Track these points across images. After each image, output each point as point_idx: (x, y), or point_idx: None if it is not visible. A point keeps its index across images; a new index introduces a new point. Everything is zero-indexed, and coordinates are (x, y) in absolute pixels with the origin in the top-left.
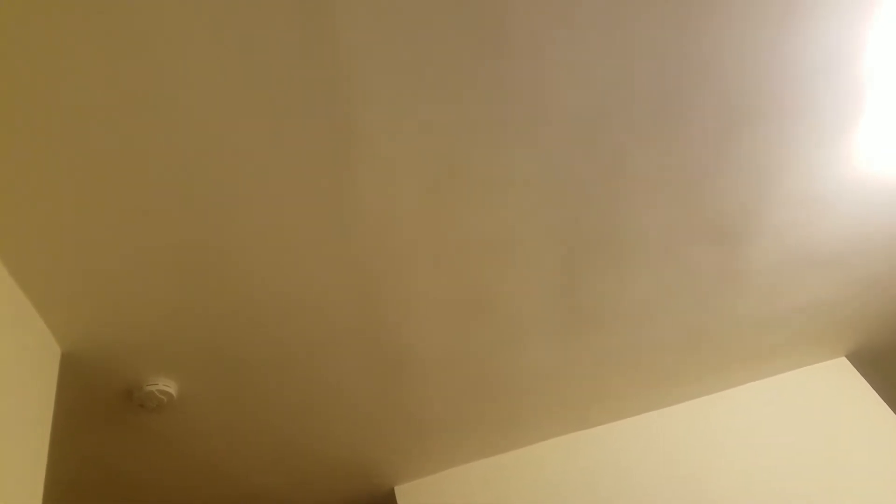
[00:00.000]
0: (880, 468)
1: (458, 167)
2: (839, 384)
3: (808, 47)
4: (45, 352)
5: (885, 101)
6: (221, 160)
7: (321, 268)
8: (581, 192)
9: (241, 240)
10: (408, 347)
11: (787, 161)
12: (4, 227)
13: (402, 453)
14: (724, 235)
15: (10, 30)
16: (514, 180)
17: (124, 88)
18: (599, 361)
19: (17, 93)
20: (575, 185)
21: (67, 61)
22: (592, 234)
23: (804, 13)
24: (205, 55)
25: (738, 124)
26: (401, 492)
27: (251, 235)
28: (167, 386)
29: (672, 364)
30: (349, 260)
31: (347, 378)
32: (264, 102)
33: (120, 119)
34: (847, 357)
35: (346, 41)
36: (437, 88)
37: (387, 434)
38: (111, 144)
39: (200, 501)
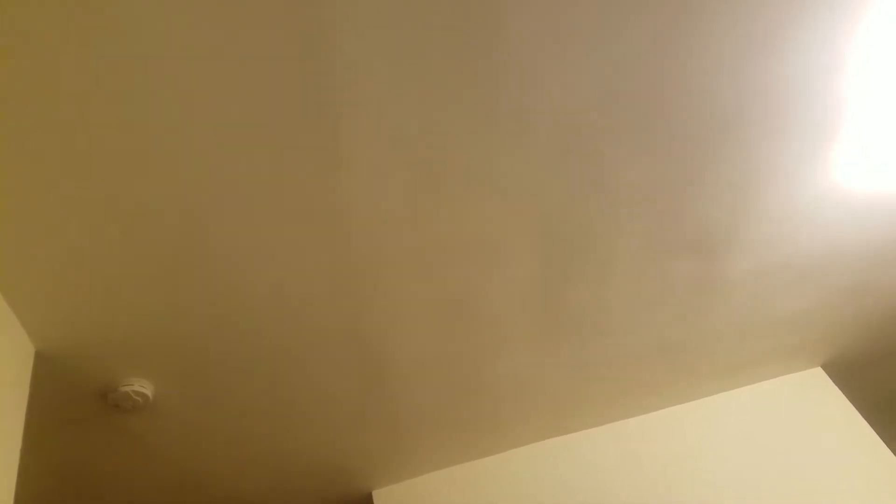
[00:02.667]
0: (854, 477)
1: (443, 171)
2: (814, 394)
3: (789, 64)
4: (18, 350)
5: (861, 116)
6: (204, 163)
7: (303, 271)
8: (563, 199)
9: (222, 241)
10: (389, 350)
11: (766, 175)
12: None
13: (381, 457)
14: (702, 247)
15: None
16: (498, 186)
17: (107, 90)
18: (578, 369)
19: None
20: (557, 192)
21: (60, 67)
22: (573, 242)
23: (785, 32)
24: (193, 62)
25: (719, 138)
26: (378, 496)
27: (233, 237)
28: (143, 387)
29: (650, 373)
30: (331, 263)
31: (327, 381)
32: (249, 107)
33: (100, 119)
34: (822, 367)
35: (334, 46)
36: (424, 93)
37: (365, 437)
38: (90, 143)
39: None
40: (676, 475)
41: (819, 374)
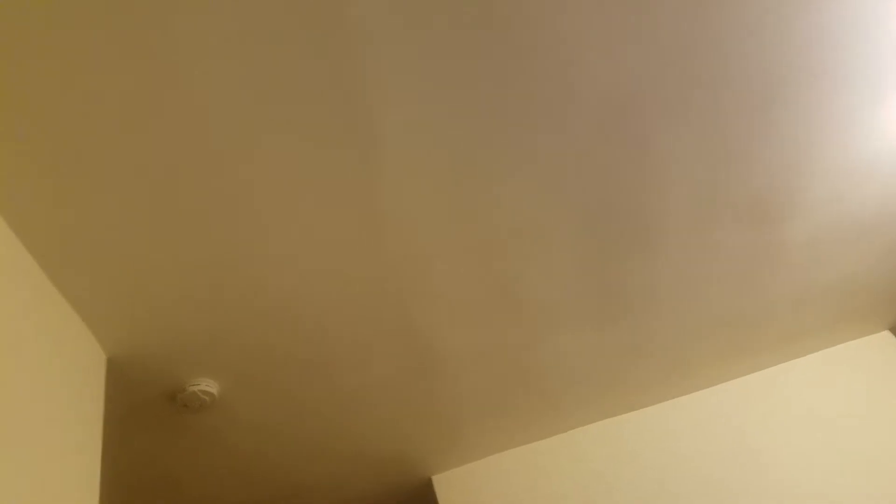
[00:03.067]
0: None
1: (481, 158)
2: (883, 358)
3: (839, 15)
4: (92, 358)
5: None
6: (251, 170)
7: (351, 270)
8: (608, 175)
9: (273, 245)
10: (440, 340)
11: (819, 132)
12: (49, 242)
13: (439, 443)
14: (758, 212)
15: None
16: (539, 167)
17: (164, 112)
18: (635, 347)
19: (68, 111)
20: (601, 168)
21: (113, 87)
22: (621, 218)
23: None
24: (231, 72)
25: (769, 99)
26: (438, 481)
27: (283, 241)
28: (209, 386)
29: (710, 347)
30: (377, 260)
31: (383, 372)
32: (287, 113)
33: (155, 134)
34: (890, 330)
35: (361, 34)
36: (459, 78)
37: (423, 426)
38: (148, 155)
39: (245, 497)
40: (740, 448)
41: (887, 337)
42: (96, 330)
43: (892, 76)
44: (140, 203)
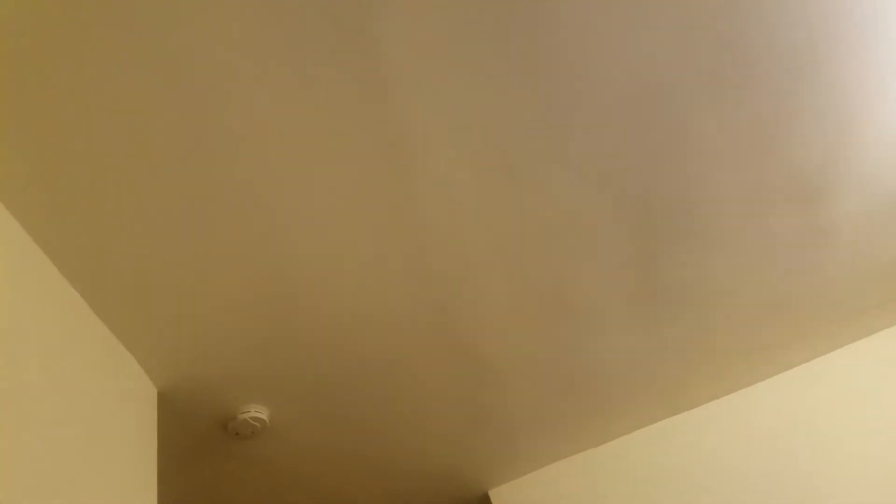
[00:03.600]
0: None
1: (515, 159)
2: None
3: None
4: (143, 392)
5: None
6: (285, 189)
7: (390, 283)
8: (647, 165)
9: (312, 266)
10: (486, 351)
11: (863, 101)
12: (92, 274)
13: (494, 456)
14: (804, 192)
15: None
16: (574, 164)
17: (209, 137)
18: (686, 343)
19: (120, 142)
20: (640, 158)
21: (149, 113)
22: (663, 210)
23: None
24: (261, 83)
25: (802, 75)
26: (495, 495)
27: (321, 260)
28: (259, 412)
29: (762, 337)
30: (416, 272)
31: (430, 386)
32: (320, 128)
33: (195, 165)
34: None
35: (389, 39)
36: (489, 81)
37: (476, 438)
38: (191, 183)
39: None
40: (804, 441)
41: None
42: (145, 363)
43: None
44: (185, 232)
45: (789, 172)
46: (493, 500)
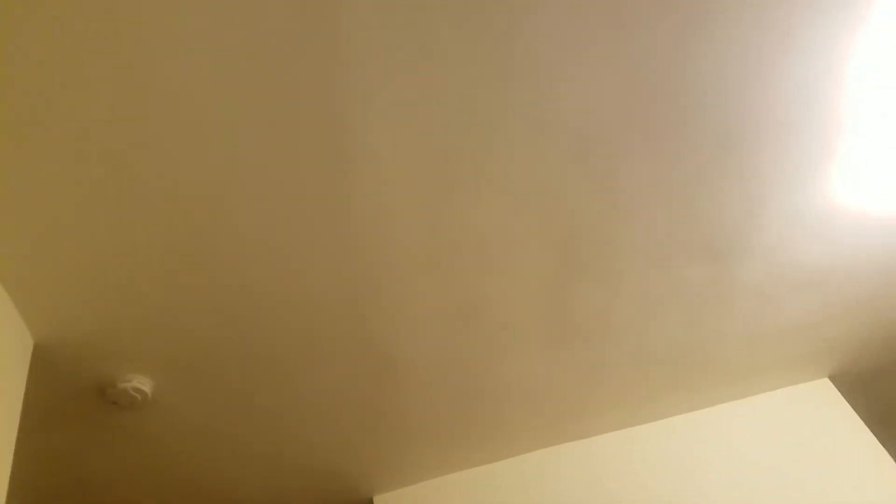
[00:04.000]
0: (860, 490)
1: (453, 168)
2: (821, 405)
3: (803, 74)
4: (18, 342)
5: (869, 126)
6: (212, 158)
7: (310, 270)
8: (575, 200)
9: (228, 239)
10: (394, 352)
11: (775, 181)
12: None
13: (383, 462)
14: (714, 252)
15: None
16: (509, 184)
17: (119, 83)
18: (586, 373)
19: (11, 86)
20: (569, 192)
21: (68, 60)
22: (583, 245)
23: (794, 36)
24: (200, 52)
25: (731, 143)
26: (380, 502)
27: (239, 235)
28: (142, 383)
29: (655, 379)
30: (339, 263)
31: (330, 382)
32: (257, 101)
33: (108, 109)
34: (830, 378)
35: (342, 34)
36: (435, 87)
37: (368, 441)
38: (96, 131)
39: None
40: (680, 485)
41: (826, 385)
42: (25, 313)
43: (840, 135)
44: (83, 178)
45: (702, 229)
46: None
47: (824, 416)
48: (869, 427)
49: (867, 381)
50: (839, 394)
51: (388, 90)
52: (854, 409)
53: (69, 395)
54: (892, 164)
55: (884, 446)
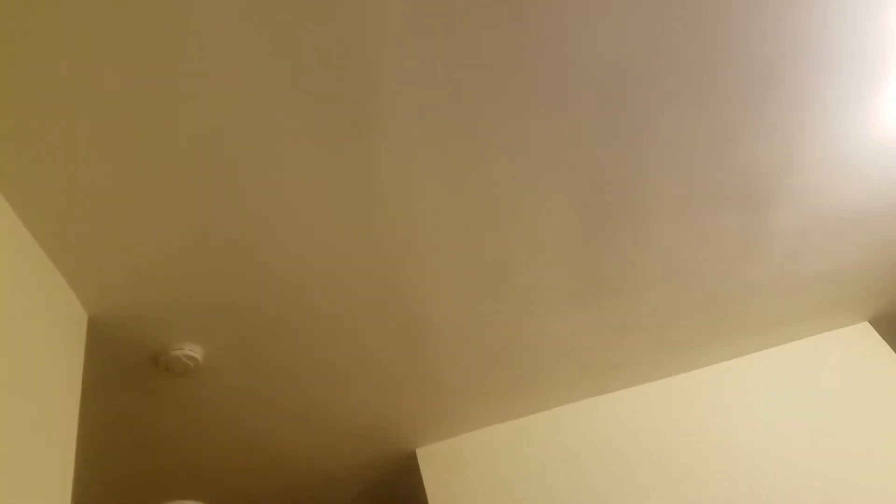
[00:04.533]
0: None
1: (478, 130)
2: (862, 349)
3: (832, 6)
4: (73, 317)
5: None
6: (249, 135)
7: (344, 238)
8: (602, 153)
9: (266, 210)
10: (428, 312)
11: (811, 122)
12: (30, 193)
13: (424, 416)
14: (746, 199)
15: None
16: (533, 141)
17: (156, 63)
18: (618, 327)
19: (52, 61)
20: (595, 145)
21: (102, 37)
22: (612, 199)
23: None
24: (235, 35)
25: (762, 86)
26: (422, 454)
27: (276, 206)
28: (193, 351)
29: (692, 330)
30: (369, 230)
31: (371, 344)
32: (288, 78)
33: (152, 89)
34: (870, 322)
35: (364, 5)
36: (456, 52)
37: (408, 398)
38: (142, 111)
39: (227, 465)
40: (721, 433)
41: (867, 328)
42: (78, 287)
43: (881, 70)
44: (129, 158)
45: (733, 178)
46: (419, 457)
47: (865, 360)
48: None
49: None
50: (880, 337)
51: (410, 58)
52: (895, 352)
53: (125, 365)
54: None
55: None
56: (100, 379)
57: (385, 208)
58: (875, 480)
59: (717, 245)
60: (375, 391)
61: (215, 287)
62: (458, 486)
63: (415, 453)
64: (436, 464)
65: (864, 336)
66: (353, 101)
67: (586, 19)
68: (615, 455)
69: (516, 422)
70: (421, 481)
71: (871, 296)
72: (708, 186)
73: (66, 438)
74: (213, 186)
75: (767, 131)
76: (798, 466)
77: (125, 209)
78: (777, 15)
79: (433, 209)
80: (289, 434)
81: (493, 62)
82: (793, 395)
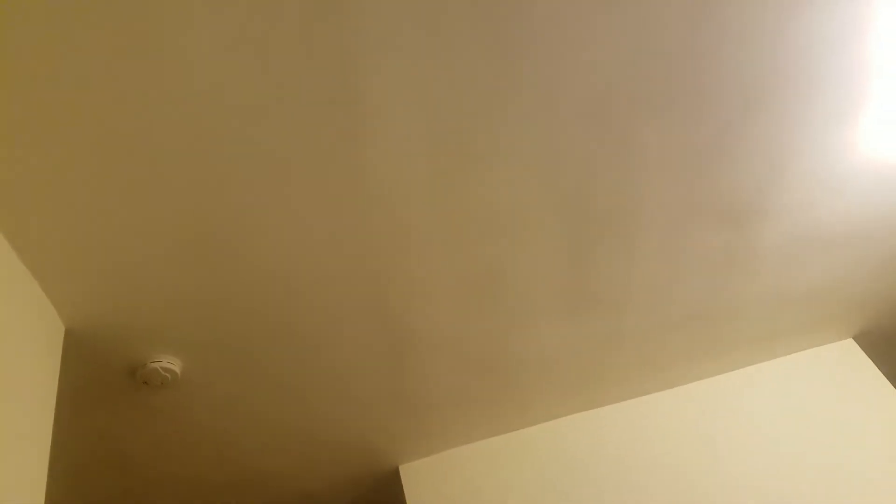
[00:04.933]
0: (887, 449)
1: (468, 141)
2: (846, 366)
3: (822, 28)
4: (49, 328)
5: (892, 82)
6: (229, 137)
7: (328, 246)
8: (590, 168)
9: (247, 217)
10: (414, 326)
11: (795, 141)
12: (6, 199)
13: (407, 432)
14: (733, 215)
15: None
16: (523, 154)
17: (137, 65)
18: (606, 341)
19: (25, 60)
20: (584, 160)
21: (82, 36)
22: (601, 212)
23: None
24: (211, 32)
25: (749, 104)
26: (405, 470)
27: (258, 213)
28: (171, 363)
29: (679, 344)
30: (356, 238)
31: (353, 356)
32: (271, 79)
33: (129, 90)
34: (854, 339)
35: (354, 10)
36: (448, 61)
37: (392, 413)
38: (120, 115)
39: (206, 480)
40: (707, 449)
41: (851, 345)
42: (55, 298)
43: (862, 91)
44: (107, 164)
45: (719, 195)
46: (402, 474)
47: (849, 376)
48: (895, 386)
49: (893, 340)
50: (864, 354)
51: (399, 66)
52: (880, 369)
53: (102, 377)
54: None
55: None
56: (76, 391)
57: (372, 218)
58: (860, 496)
59: (703, 261)
60: (358, 406)
61: (194, 299)
62: (441, 503)
63: (398, 470)
64: (419, 481)
65: (849, 352)
66: (343, 109)
67: (575, 35)
68: (601, 471)
69: (501, 438)
70: (404, 499)
71: (855, 312)
72: (694, 203)
73: (40, 452)
74: (194, 197)
75: (753, 149)
76: (784, 481)
77: (103, 219)
78: (762, 38)
79: (421, 220)
80: (269, 449)
81: (484, 76)
82: (778, 410)
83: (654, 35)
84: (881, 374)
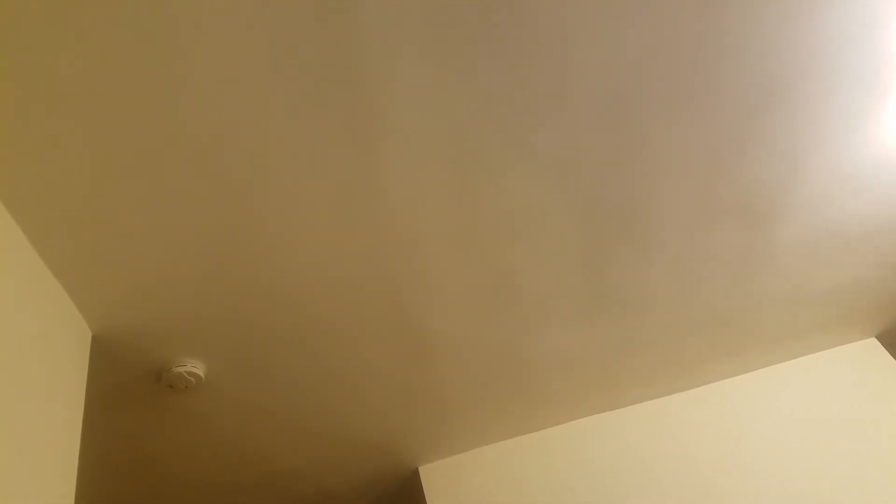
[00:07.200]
0: None
1: (481, 146)
2: (869, 365)
3: (840, 21)
4: (76, 334)
5: None
6: (247, 145)
7: (345, 250)
8: (604, 171)
9: (266, 222)
10: (432, 329)
11: (815, 139)
12: (35, 211)
13: (427, 433)
14: (750, 215)
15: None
16: (537, 159)
17: (154, 73)
18: (624, 343)
19: (53, 72)
20: (598, 163)
21: (99, 44)
22: (616, 215)
23: None
24: (227, 37)
25: (765, 102)
26: (425, 471)
27: (276, 218)
28: (195, 367)
29: (697, 346)
30: (373, 242)
31: (372, 357)
32: (287, 85)
33: (149, 101)
34: (877, 338)
35: (365, 17)
36: (460, 66)
37: (411, 415)
38: (140, 125)
39: (230, 480)
40: (726, 449)
41: (874, 344)
42: (82, 305)
43: (883, 86)
44: (132, 177)
45: (737, 194)
46: (422, 475)
47: (872, 376)
48: None
49: None
50: (887, 353)
51: (412, 73)
52: None
53: (128, 381)
54: None
55: None
56: (103, 395)
57: (390, 222)
58: (883, 495)
59: (722, 260)
60: (378, 407)
61: (218, 303)
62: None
63: (417, 471)
64: (439, 482)
65: (872, 352)
66: (359, 118)
67: (587, 38)
68: (620, 473)
69: (520, 439)
70: (424, 499)
71: (878, 311)
72: (712, 201)
73: (69, 454)
74: (215, 202)
75: (771, 146)
76: (807, 481)
77: (128, 230)
78: (779, 34)
79: (437, 223)
80: (291, 450)
81: (497, 81)
82: (800, 410)
83: (666, 33)
84: None
